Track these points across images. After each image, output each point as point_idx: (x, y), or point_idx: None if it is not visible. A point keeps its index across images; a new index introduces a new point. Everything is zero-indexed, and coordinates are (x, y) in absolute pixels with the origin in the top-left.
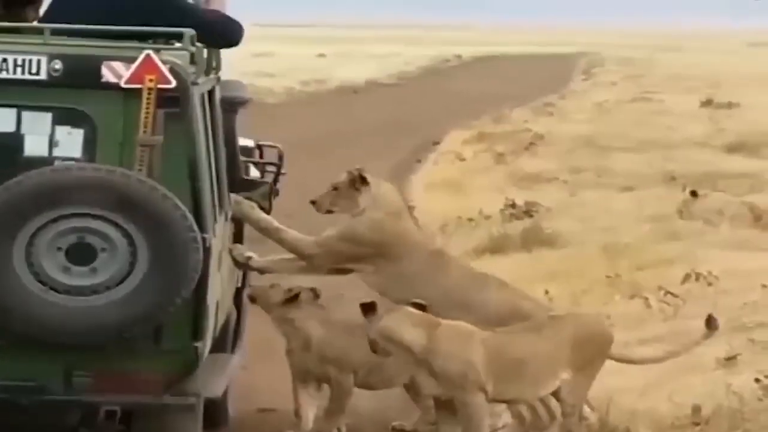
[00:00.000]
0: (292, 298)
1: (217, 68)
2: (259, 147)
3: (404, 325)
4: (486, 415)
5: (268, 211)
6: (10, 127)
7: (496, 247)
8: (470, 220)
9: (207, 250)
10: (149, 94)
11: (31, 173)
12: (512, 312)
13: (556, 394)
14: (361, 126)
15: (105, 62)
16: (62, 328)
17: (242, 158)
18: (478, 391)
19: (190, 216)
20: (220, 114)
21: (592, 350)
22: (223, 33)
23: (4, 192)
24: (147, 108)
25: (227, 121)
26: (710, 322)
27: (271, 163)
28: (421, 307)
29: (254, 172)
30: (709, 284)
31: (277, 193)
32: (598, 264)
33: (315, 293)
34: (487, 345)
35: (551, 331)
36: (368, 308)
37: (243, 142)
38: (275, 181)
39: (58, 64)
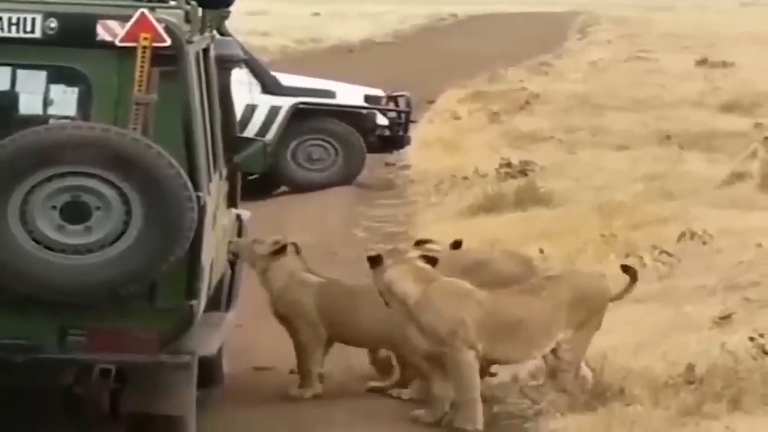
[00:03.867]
0: (280, 250)
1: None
2: (389, 97)
3: (404, 277)
4: (476, 372)
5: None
6: (5, 86)
7: (491, 205)
8: (465, 178)
9: (201, 209)
10: (144, 52)
11: (25, 132)
12: None
13: (553, 351)
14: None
15: (100, 21)
16: (57, 287)
17: (370, 106)
18: (467, 348)
19: (184, 174)
20: (215, 72)
21: (590, 308)
22: None
23: None
24: (142, 66)
25: (222, 80)
26: None
27: (399, 111)
28: (432, 261)
29: (382, 120)
30: (704, 243)
31: (408, 141)
32: (592, 223)
33: (296, 248)
34: (483, 304)
35: (549, 291)
36: (374, 260)
37: (371, 91)
38: (405, 128)
39: (53, 23)
